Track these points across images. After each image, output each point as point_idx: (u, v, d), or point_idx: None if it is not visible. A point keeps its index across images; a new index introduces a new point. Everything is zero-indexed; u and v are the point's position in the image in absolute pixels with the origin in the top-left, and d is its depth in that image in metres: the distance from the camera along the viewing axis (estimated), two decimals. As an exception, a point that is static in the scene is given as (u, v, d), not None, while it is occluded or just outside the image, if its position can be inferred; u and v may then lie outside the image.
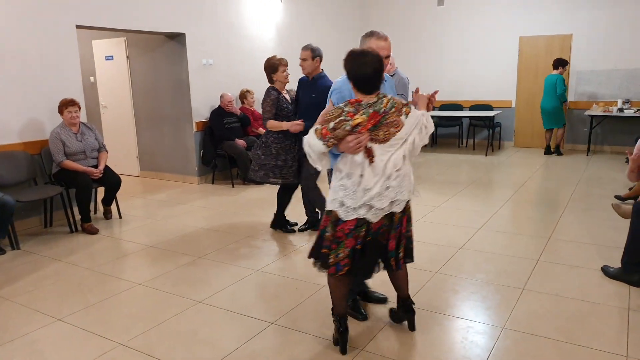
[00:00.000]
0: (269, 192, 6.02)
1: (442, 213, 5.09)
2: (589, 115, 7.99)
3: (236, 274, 3.61)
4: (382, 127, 2.25)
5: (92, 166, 4.94)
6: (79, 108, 4.89)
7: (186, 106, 6.68)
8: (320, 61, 4.19)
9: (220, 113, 6.66)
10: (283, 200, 4.58)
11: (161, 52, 6.74)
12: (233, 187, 6.58)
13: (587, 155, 8.16)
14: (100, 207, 5.43)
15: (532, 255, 3.84)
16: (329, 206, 2.38)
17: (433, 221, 4.80)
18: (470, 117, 8.99)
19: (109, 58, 7.26)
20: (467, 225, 4.61)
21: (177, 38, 6.54)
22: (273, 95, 4.26)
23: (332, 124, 2.23)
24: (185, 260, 3.93)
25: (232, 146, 6.51)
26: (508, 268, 3.59)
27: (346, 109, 2.25)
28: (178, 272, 3.69)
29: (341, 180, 2.33)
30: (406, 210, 2.48)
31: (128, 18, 5.73)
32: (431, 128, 2.43)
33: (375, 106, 2.24)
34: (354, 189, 2.28)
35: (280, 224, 4.63)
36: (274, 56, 4.41)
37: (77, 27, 5.29)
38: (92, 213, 5.12)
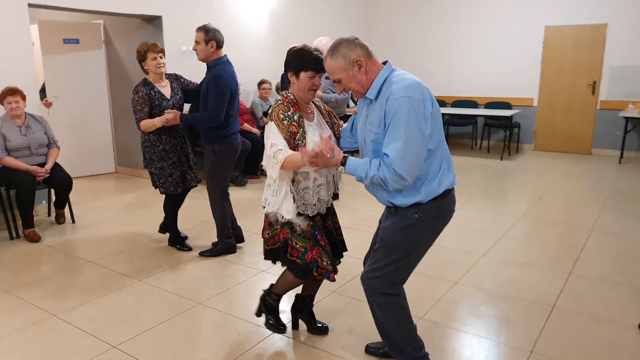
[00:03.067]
0: (250, 194, 5.34)
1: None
2: (624, 117, 7.04)
3: (171, 308, 2.91)
4: None
5: (39, 164, 4.31)
6: (23, 98, 4.25)
7: (163, 97, 5.99)
8: (218, 46, 3.47)
9: (197, 107, 5.95)
10: (169, 212, 3.90)
11: (136, 37, 6.07)
12: (212, 189, 5.89)
13: (620, 162, 7.23)
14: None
15: (546, 298, 3.05)
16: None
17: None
18: (486, 116, 8.11)
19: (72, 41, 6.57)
20: (467, 251, 3.83)
21: (153, 22, 5.85)
22: (141, 91, 3.51)
23: None
24: (120, 284, 3.26)
25: (211, 144, 5.81)
26: (512, 319, 2.81)
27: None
28: (105, 303, 3.01)
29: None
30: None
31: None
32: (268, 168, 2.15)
33: None
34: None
35: (175, 241, 3.97)
36: (146, 42, 3.62)
37: (30, 5, 4.63)
38: (54, 215, 4.51)
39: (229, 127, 3.58)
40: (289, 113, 2.14)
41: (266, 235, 2.35)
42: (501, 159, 7.55)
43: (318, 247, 2.26)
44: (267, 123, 2.18)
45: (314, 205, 2.25)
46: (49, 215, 4.89)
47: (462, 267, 3.52)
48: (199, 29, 3.44)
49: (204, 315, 2.87)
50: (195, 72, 6.06)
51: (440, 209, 2.00)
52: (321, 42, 4.71)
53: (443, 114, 8.45)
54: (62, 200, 4.60)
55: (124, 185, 6.19)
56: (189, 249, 3.90)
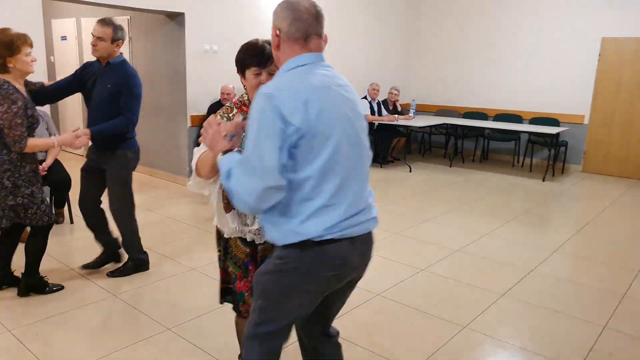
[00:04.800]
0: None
1: (461, 260, 3.82)
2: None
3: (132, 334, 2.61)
4: None
5: (39, 161, 4.16)
6: (25, 91, 4.09)
7: (181, 97, 5.80)
8: (121, 45, 3.12)
9: (218, 107, 5.73)
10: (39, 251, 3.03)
11: (160, 34, 5.90)
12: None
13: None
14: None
15: (571, 355, 2.53)
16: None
17: (441, 273, 3.56)
18: (530, 132, 7.45)
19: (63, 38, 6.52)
20: (485, 288, 3.33)
21: (176, 19, 5.66)
22: (17, 98, 2.66)
23: None
24: (95, 298, 3.00)
25: (226, 147, 5.56)
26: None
27: None
28: (72, 320, 2.75)
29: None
30: None
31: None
32: None
33: None
34: None
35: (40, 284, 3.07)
36: (8, 29, 2.75)
37: (43, -3, 4.52)
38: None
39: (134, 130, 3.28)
40: (232, 114, 1.80)
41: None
42: (543, 180, 6.88)
43: (247, 280, 1.92)
44: None
45: (235, 227, 1.84)
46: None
47: (475, 308, 3.04)
48: (104, 24, 3.05)
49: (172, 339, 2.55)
50: (219, 71, 5.85)
51: (302, 263, 1.50)
52: None
53: (483, 128, 7.88)
54: (60, 200, 4.44)
55: (136, 185, 6.03)
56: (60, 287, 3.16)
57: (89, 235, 3.44)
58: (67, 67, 7.30)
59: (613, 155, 7.29)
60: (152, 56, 6.09)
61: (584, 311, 3.05)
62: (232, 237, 1.87)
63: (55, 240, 3.93)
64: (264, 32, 6.27)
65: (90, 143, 3.13)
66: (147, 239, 3.98)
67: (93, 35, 3.07)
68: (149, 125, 6.35)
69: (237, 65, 1.80)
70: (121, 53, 3.20)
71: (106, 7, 5.38)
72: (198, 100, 5.84)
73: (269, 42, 1.72)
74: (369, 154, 1.61)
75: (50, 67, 7.01)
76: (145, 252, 3.49)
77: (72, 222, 4.48)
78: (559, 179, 7.03)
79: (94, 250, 3.54)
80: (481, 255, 3.95)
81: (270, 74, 1.72)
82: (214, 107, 5.74)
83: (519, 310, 3.05)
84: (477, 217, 5.04)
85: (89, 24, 6.76)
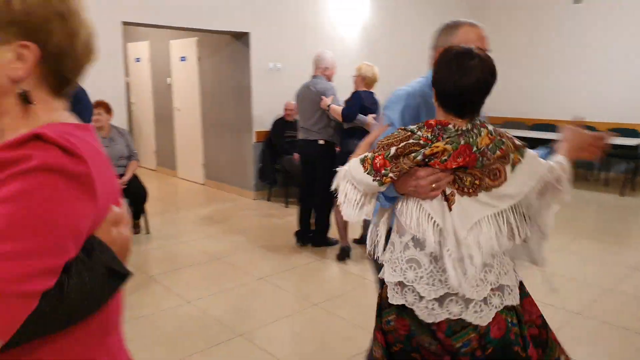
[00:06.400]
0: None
1: (533, 277, 3.66)
2: None
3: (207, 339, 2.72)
4: (471, 171, 1.37)
5: (118, 175, 4.48)
6: (107, 110, 4.43)
7: (247, 114, 6.03)
8: None
9: (281, 123, 5.90)
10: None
11: (226, 53, 6.20)
12: (287, 207, 5.76)
13: None
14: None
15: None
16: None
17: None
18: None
19: (183, 59, 6.94)
20: (559, 306, 3.17)
21: (242, 38, 5.92)
22: None
23: (393, 150, 1.37)
24: (171, 304, 3.17)
25: (290, 161, 5.69)
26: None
27: (419, 132, 1.38)
28: (150, 324, 2.93)
29: (407, 250, 1.42)
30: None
31: (184, 15, 5.22)
32: (566, 194, 1.46)
33: (467, 137, 1.36)
34: (430, 268, 1.38)
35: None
36: None
37: (124, 23, 4.90)
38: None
39: None
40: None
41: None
42: (621, 195, 6.47)
43: None
44: None
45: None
46: (130, 223, 5.09)
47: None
48: None
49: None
50: (282, 88, 6.03)
51: None
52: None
53: (550, 140, 7.47)
54: (137, 211, 4.72)
55: (207, 198, 6.31)
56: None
57: (165, 244, 3.64)
58: (140, 87, 7.82)
59: (701, 167, 6.73)
60: (218, 74, 6.38)
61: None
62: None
63: (133, 250, 4.19)
64: (327, 49, 6.40)
65: None
66: (215, 250, 4.16)
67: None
68: (216, 141, 6.64)
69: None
70: None
71: (177, 30, 5.72)
72: (263, 116, 6.04)
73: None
74: None
75: (165, 89, 7.49)
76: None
77: (148, 232, 4.75)
78: (639, 194, 6.58)
79: (168, 258, 3.73)
80: (552, 271, 3.77)
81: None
82: (278, 123, 5.92)
83: (597, 329, 2.88)
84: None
85: (162, 46, 7.22)
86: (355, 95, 4.02)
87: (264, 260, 4.04)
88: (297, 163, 5.42)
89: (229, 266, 3.89)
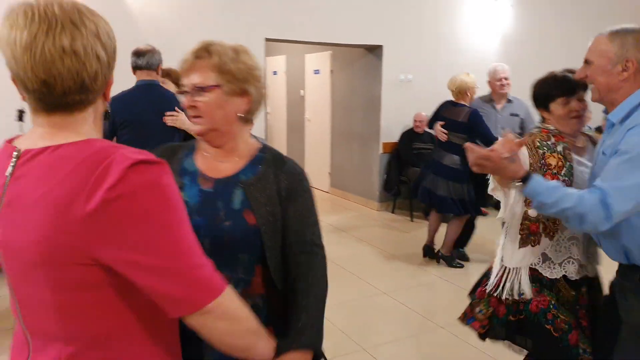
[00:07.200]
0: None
1: None
2: None
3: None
4: None
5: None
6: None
7: (375, 124, 6.10)
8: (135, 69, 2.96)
9: (410, 135, 5.85)
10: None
11: (358, 66, 6.32)
12: (412, 221, 5.68)
13: None
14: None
15: None
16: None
17: None
18: None
19: (316, 72, 7.24)
20: None
21: (374, 51, 6.00)
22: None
23: None
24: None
25: (415, 173, 5.61)
26: None
27: None
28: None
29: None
30: None
31: (320, 30, 5.46)
32: None
33: None
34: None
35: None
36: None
37: (267, 40, 5.26)
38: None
39: None
40: (550, 143, 1.75)
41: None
42: None
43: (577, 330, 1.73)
44: None
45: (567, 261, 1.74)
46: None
47: None
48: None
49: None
50: (412, 99, 5.99)
51: None
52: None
53: None
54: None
55: (331, 205, 6.49)
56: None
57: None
58: (276, 99, 8.28)
59: None
60: (350, 86, 6.54)
61: None
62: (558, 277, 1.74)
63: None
64: (459, 61, 6.21)
65: None
66: (339, 258, 4.25)
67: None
68: (344, 150, 6.81)
69: (536, 101, 1.82)
70: (141, 80, 2.95)
71: (312, 44, 5.98)
72: (391, 127, 6.05)
73: (569, 71, 1.75)
74: None
75: (298, 100, 7.89)
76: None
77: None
78: None
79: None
80: None
81: (579, 100, 1.74)
82: (407, 135, 5.88)
83: None
84: None
85: (297, 60, 7.60)
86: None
87: (389, 274, 4.03)
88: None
89: (353, 276, 3.95)
